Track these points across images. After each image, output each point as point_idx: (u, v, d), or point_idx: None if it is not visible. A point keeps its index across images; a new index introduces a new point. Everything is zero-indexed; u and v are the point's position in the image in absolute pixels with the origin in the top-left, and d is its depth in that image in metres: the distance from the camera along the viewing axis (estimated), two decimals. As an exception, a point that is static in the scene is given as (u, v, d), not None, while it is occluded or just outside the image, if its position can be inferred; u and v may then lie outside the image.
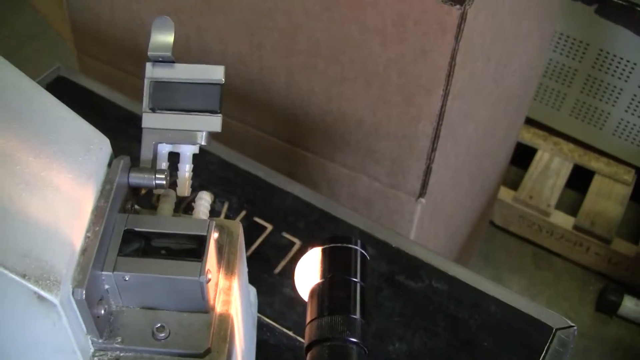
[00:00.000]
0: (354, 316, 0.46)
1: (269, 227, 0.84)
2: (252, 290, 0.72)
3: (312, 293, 0.49)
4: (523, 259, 2.15)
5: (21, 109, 0.47)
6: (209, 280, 0.48)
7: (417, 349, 0.74)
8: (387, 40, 0.89)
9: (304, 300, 0.50)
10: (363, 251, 0.51)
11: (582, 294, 2.09)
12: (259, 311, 0.75)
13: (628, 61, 1.94)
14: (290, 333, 0.75)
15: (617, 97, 2.04)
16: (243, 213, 0.85)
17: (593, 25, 1.93)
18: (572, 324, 0.78)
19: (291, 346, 0.74)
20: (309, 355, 0.46)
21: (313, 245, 0.51)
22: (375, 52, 0.91)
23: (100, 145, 0.50)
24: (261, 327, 0.75)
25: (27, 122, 0.47)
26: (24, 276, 0.41)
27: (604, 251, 2.06)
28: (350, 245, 0.50)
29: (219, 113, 0.54)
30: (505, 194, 2.13)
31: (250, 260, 0.80)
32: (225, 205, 0.85)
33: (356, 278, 0.49)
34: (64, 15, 1.23)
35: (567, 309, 2.02)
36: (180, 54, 1.08)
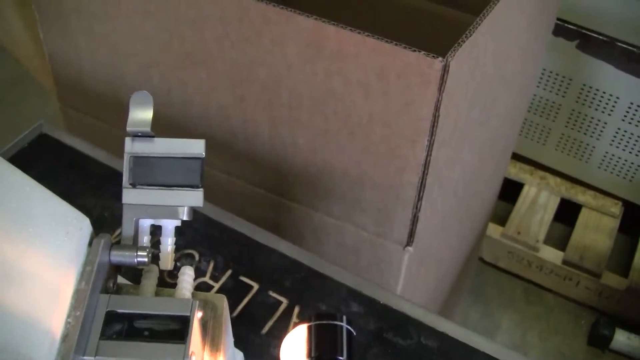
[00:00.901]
0: None
1: (256, 286, 0.83)
2: (240, 354, 0.71)
3: None
4: (513, 294, 2.14)
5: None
6: (193, 364, 0.47)
7: (408, 410, 0.73)
8: (370, 93, 0.89)
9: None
10: (349, 327, 0.50)
11: (574, 328, 2.08)
12: (247, 373, 0.74)
13: (611, 95, 1.96)
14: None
15: (602, 131, 2.05)
16: (229, 272, 0.84)
17: (575, 61, 1.95)
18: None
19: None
20: None
21: (299, 323, 0.50)
22: (358, 104, 0.91)
23: (79, 225, 0.49)
24: (249, 390, 0.74)
25: (1, 206, 0.46)
26: (0, 371, 0.40)
27: (594, 285, 2.06)
28: (335, 322, 0.49)
29: (201, 187, 0.53)
30: (493, 230, 2.13)
31: (237, 320, 0.79)
32: (211, 265, 0.84)
33: (342, 356, 0.48)
34: (47, 68, 1.22)
35: (560, 344, 2.02)
36: (162, 106, 1.08)
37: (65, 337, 0.45)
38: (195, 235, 0.87)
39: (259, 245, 0.87)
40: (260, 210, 0.93)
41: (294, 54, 0.91)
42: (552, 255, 2.10)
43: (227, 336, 0.56)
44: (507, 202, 2.22)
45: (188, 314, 0.48)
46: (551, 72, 2.00)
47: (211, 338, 0.52)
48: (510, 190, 2.20)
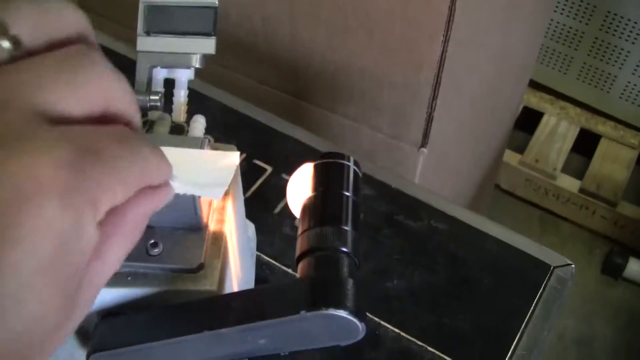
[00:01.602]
0: (345, 227, 0.47)
1: (269, 169, 0.85)
2: (251, 226, 0.73)
3: (304, 207, 0.49)
4: (530, 223, 2.16)
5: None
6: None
7: (416, 286, 0.75)
8: (388, -14, 0.90)
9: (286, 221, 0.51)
10: (356, 167, 0.51)
11: (588, 257, 2.10)
12: (259, 249, 0.76)
13: (636, 22, 1.94)
14: (290, 270, 0.76)
15: (625, 60, 2.03)
16: (243, 156, 0.86)
17: (600, -13, 1.93)
18: (570, 262, 0.78)
19: (291, 284, 0.75)
20: (299, 266, 0.46)
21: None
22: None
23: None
24: (261, 265, 0.76)
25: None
26: None
27: (609, 214, 2.06)
28: (342, 161, 0.50)
29: (213, 35, 0.54)
30: (511, 157, 2.13)
31: (249, 200, 0.81)
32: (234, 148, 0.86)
33: (348, 192, 0.49)
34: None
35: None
36: (183, 6, 1.09)
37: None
38: (212, 121, 0.88)
39: (274, 132, 0.88)
40: (279, 114, 0.94)
41: (314, -53, 0.92)
42: (569, 183, 2.10)
43: (237, 188, 0.58)
44: (526, 132, 2.22)
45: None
46: (575, -2, 1.99)
47: (222, 183, 0.54)
48: (530, 120, 2.20)
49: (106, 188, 0.33)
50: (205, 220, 0.51)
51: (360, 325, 0.43)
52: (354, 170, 0.51)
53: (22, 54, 0.34)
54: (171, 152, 0.39)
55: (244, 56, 1.11)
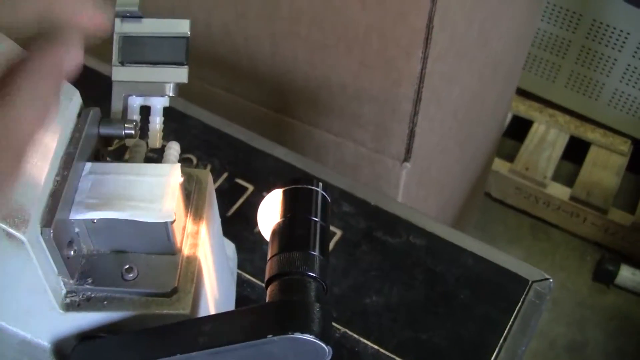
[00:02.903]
0: (313, 253, 0.48)
1: (250, 187, 0.86)
2: (231, 246, 0.74)
3: (273, 232, 0.50)
4: (520, 230, 2.16)
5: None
6: (174, 221, 0.49)
7: (394, 302, 0.76)
8: (366, 4, 0.90)
9: (266, 241, 0.52)
10: (324, 193, 0.52)
11: (579, 264, 2.11)
12: (240, 267, 0.77)
13: (621, 31, 1.95)
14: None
15: (612, 68, 2.05)
16: (225, 175, 0.87)
17: (586, -5, 1.95)
18: (548, 277, 0.79)
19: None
20: (267, 290, 0.47)
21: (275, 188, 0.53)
22: (355, 16, 0.93)
23: (70, 95, 0.52)
24: (242, 283, 0.77)
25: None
26: (-8, 214, 0.43)
27: (600, 221, 2.07)
28: (311, 187, 0.51)
29: (186, 65, 0.55)
30: (501, 165, 2.14)
31: (231, 219, 0.82)
32: (208, 167, 0.87)
33: (316, 217, 0.50)
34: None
35: (565, 279, 2.04)
36: (167, 24, 1.09)
37: (52, 193, 0.48)
38: (193, 140, 0.89)
39: (255, 150, 0.89)
40: (262, 129, 0.95)
41: (292, -34, 0.93)
42: (559, 191, 2.11)
43: (212, 211, 0.59)
44: (516, 140, 2.23)
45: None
46: (561, 7, 2.00)
47: (195, 208, 0.55)
48: (519, 128, 2.21)
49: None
50: (178, 245, 0.52)
51: (327, 349, 0.44)
52: (322, 195, 0.52)
53: None
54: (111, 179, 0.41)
55: (226, 73, 1.12)
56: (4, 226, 0.44)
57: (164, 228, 0.50)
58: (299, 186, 0.52)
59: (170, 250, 0.51)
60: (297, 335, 0.43)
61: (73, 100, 0.53)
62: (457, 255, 0.80)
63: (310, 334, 0.43)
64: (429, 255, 0.79)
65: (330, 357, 0.45)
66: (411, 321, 0.74)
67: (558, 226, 2.16)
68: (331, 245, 0.80)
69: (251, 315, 0.46)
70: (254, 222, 0.83)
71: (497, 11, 1.18)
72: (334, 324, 0.73)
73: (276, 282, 0.47)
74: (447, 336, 0.73)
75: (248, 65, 1.08)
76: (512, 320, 0.75)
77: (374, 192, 0.85)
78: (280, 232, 0.50)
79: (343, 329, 0.73)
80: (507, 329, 0.74)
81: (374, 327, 0.73)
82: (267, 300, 0.47)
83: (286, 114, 1.11)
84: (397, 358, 0.71)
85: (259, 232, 0.82)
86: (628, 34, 1.95)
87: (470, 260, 0.79)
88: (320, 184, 0.52)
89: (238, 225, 0.80)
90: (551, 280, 0.79)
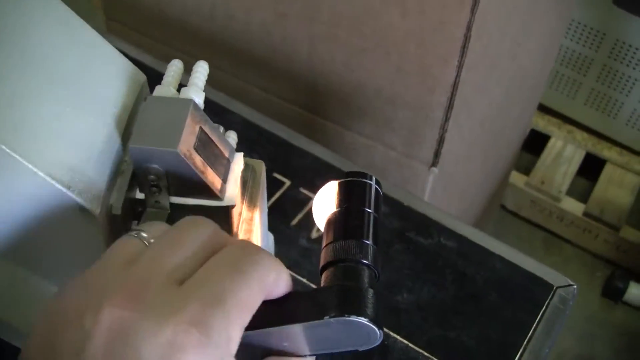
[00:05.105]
0: (367, 241, 0.50)
1: (287, 182, 0.88)
2: (270, 236, 0.76)
3: (329, 221, 0.52)
4: (533, 243, 2.18)
5: (66, 43, 0.51)
6: (234, 206, 0.52)
7: (424, 300, 0.78)
8: (406, 12, 0.93)
9: (321, 231, 0.54)
10: (377, 186, 0.54)
11: (589, 279, 2.12)
12: (276, 259, 0.80)
13: (644, 51, 1.97)
14: (305, 280, 0.79)
15: (632, 87, 2.07)
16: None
17: (610, 15, 1.96)
18: (572, 283, 0.82)
19: (306, 292, 0.78)
20: (323, 275, 0.49)
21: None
22: (395, 23, 0.95)
23: (138, 80, 0.55)
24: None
25: (74, 56, 0.51)
26: (68, 187, 0.46)
27: (612, 238, 2.09)
28: (365, 180, 0.54)
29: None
30: (517, 178, 2.16)
31: (269, 212, 0.84)
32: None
33: (370, 209, 0.52)
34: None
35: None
36: (205, 21, 1.12)
37: (121, 173, 0.51)
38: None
39: (293, 147, 0.92)
40: (295, 128, 0.98)
41: (336, -29, 0.96)
42: (573, 206, 2.13)
43: (263, 200, 0.61)
44: (533, 154, 2.25)
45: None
46: (585, 25, 2.02)
47: (249, 196, 0.58)
48: (537, 143, 2.23)
49: (234, 323, 0.40)
50: (235, 229, 0.55)
51: (378, 332, 0.46)
52: (376, 188, 0.54)
53: None
54: None
55: (262, 71, 1.14)
56: (79, 200, 0.47)
57: (225, 212, 0.52)
58: (355, 179, 0.54)
59: (228, 234, 0.54)
60: (353, 317, 0.45)
61: (142, 85, 0.56)
62: (486, 258, 0.82)
63: (365, 317, 0.45)
64: (459, 257, 0.82)
65: (380, 340, 0.47)
66: (440, 320, 0.77)
67: (570, 241, 2.18)
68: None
69: (310, 298, 0.48)
70: (290, 216, 0.86)
71: (528, 26, 1.21)
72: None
73: (332, 268, 0.49)
74: (474, 335, 0.76)
75: (284, 66, 1.11)
76: (536, 322, 0.77)
77: (406, 193, 0.88)
78: (336, 221, 0.52)
79: (375, 323, 0.75)
80: (531, 331, 0.77)
81: (405, 324, 0.76)
82: (322, 285, 0.49)
83: (319, 114, 1.13)
84: (425, 354, 0.74)
85: (295, 226, 0.85)
86: (650, 54, 1.97)
87: (498, 263, 0.82)
88: (374, 177, 0.54)
89: (275, 218, 0.83)
90: (575, 286, 0.82)
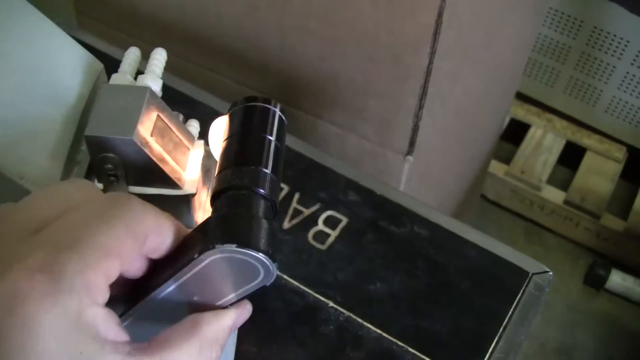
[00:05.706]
0: (265, 170, 0.45)
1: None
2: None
3: (224, 148, 0.48)
4: (514, 233, 2.18)
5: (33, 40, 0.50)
6: (194, 194, 0.51)
7: (397, 289, 0.77)
8: (376, 0, 0.92)
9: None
10: (281, 114, 0.50)
11: (571, 267, 2.13)
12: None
13: (621, 38, 1.97)
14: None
15: (610, 75, 2.07)
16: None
17: (588, 2, 1.96)
18: (548, 270, 0.81)
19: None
20: (213, 206, 0.45)
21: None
22: (365, 11, 0.94)
23: (95, 68, 0.54)
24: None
25: (28, 45, 0.50)
26: (21, 178, 0.45)
27: (593, 226, 2.09)
28: (267, 105, 0.50)
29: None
30: (497, 168, 2.16)
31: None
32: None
33: (271, 136, 0.48)
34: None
35: (556, 282, 2.06)
36: (177, 15, 1.11)
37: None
38: (202, 126, 0.91)
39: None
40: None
41: (305, -41, 0.95)
42: (554, 195, 2.14)
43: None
44: (513, 144, 2.25)
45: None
46: (563, 13, 2.02)
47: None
48: (516, 132, 2.23)
49: (92, 267, 0.36)
50: (196, 219, 0.54)
51: (271, 266, 0.41)
52: (279, 116, 0.51)
53: None
54: None
55: (234, 63, 1.13)
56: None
57: (186, 201, 0.51)
58: (255, 104, 0.50)
59: (189, 223, 0.53)
60: (241, 248, 0.40)
61: (100, 74, 0.55)
62: (460, 246, 0.81)
63: (255, 248, 0.41)
64: (432, 246, 0.81)
65: (275, 276, 0.42)
66: (413, 309, 0.76)
67: (552, 230, 2.18)
68: (337, 232, 0.81)
69: (195, 233, 0.43)
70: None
71: (502, 14, 1.20)
72: (338, 307, 0.74)
73: (222, 196, 0.45)
74: (448, 324, 0.75)
75: (256, 58, 1.10)
76: (511, 310, 0.77)
77: (379, 183, 0.87)
78: (231, 147, 0.48)
79: (347, 313, 0.74)
80: (506, 319, 0.76)
81: (378, 313, 0.75)
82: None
83: (291, 104, 1.12)
84: (400, 343, 0.73)
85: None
86: (628, 41, 1.97)
87: (472, 252, 0.81)
88: (279, 105, 0.51)
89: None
90: (551, 273, 0.81)
